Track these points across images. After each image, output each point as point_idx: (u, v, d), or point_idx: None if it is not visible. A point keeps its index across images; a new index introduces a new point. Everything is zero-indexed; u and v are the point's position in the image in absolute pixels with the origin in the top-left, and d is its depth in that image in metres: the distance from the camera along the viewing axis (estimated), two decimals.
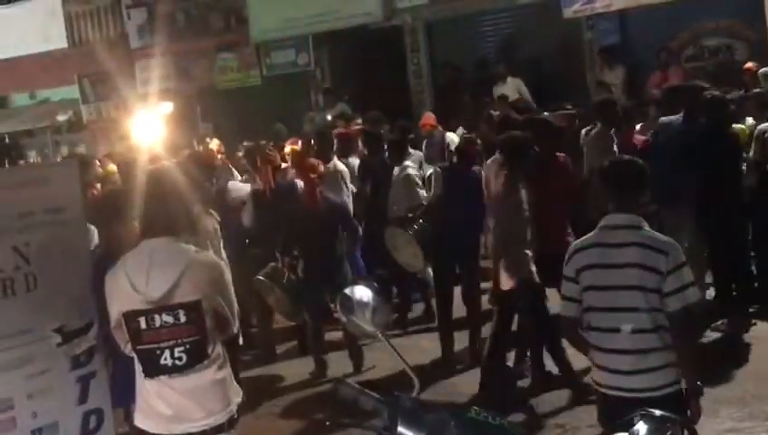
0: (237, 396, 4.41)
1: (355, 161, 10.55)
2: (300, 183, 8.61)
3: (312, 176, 8.23)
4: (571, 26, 14.03)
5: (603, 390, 4.46)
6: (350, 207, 9.20)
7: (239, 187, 9.25)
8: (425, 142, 11.69)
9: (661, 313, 4.26)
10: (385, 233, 8.61)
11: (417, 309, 9.91)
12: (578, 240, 4.68)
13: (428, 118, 12.26)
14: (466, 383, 7.74)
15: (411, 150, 10.35)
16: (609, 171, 4.70)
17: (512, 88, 13.96)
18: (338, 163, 9.81)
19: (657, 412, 3.01)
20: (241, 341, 7.38)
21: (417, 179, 9.33)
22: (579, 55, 14.21)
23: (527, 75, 14.15)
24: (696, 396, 4.28)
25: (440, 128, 11.82)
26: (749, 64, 11.59)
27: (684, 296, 4.22)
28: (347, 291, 3.32)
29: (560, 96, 12.09)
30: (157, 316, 4.14)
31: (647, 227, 4.41)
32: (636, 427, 2.88)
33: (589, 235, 4.59)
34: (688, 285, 4.25)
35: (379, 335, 3.25)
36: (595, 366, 4.52)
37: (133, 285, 4.14)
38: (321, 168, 8.47)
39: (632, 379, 4.32)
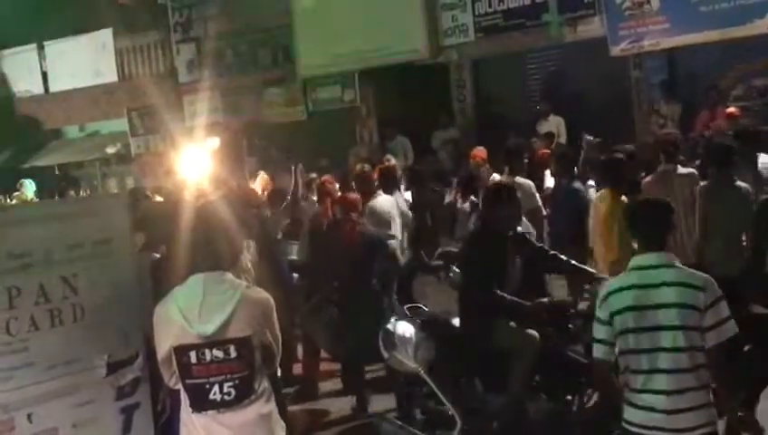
0: (282, 430, 4.42)
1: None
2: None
3: (352, 214, 8.21)
4: (618, 64, 13.97)
5: (636, 429, 4.42)
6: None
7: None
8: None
9: (700, 352, 4.26)
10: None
11: None
12: (611, 284, 4.63)
13: (479, 151, 12.03)
14: None
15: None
16: (638, 211, 4.69)
17: (553, 125, 14.05)
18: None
19: None
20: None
21: None
22: (626, 93, 14.13)
23: (573, 113, 14.11)
24: (741, 427, 4.25)
25: (488, 166, 11.42)
26: (731, 109, 11.33)
27: (721, 331, 4.23)
28: (389, 326, 3.31)
29: (606, 134, 12.00)
30: (207, 351, 4.15)
31: (680, 265, 4.39)
32: None
33: (619, 277, 4.57)
34: (725, 320, 4.25)
35: (421, 372, 3.24)
36: (629, 406, 4.46)
37: (186, 320, 4.15)
38: (360, 205, 8.41)
39: (669, 419, 4.29)
